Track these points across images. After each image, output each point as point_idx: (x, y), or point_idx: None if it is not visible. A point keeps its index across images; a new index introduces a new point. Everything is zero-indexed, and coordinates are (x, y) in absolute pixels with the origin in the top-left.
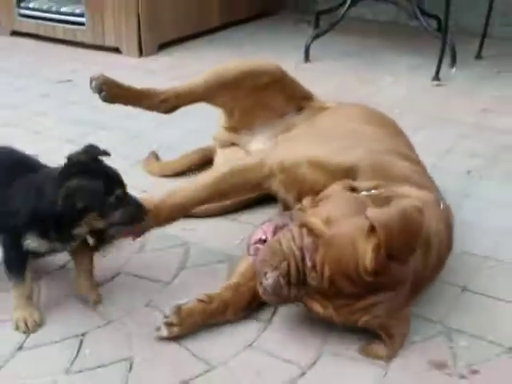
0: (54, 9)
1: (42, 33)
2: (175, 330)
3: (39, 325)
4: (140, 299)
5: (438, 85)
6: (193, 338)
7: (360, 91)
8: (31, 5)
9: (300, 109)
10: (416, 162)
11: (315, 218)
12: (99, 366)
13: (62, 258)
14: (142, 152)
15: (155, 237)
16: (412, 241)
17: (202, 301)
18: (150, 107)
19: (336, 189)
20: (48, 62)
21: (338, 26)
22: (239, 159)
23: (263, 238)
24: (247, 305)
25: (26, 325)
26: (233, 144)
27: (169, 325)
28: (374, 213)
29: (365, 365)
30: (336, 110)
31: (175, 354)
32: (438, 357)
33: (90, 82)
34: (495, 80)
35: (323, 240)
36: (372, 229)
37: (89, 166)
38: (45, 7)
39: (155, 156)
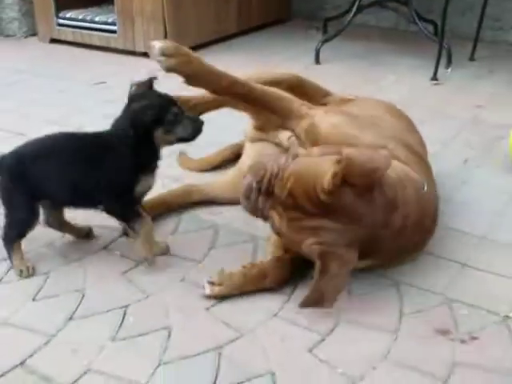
0: (88, 18)
1: (78, 40)
2: (216, 289)
3: (169, 251)
4: (175, 275)
5: (435, 84)
6: (225, 308)
7: (366, 89)
8: (68, 15)
9: (323, 105)
10: (416, 153)
11: (303, 150)
12: (141, 335)
13: (107, 239)
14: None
15: (186, 220)
16: (370, 175)
17: (244, 267)
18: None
19: None
20: (84, 67)
21: (345, 32)
22: (268, 154)
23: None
24: (284, 275)
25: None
26: (262, 140)
27: (211, 284)
28: (349, 149)
29: (377, 331)
30: (360, 101)
31: (208, 322)
32: (441, 324)
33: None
34: (487, 79)
35: (296, 160)
36: (340, 160)
37: (145, 93)
38: (80, 17)
39: (184, 154)
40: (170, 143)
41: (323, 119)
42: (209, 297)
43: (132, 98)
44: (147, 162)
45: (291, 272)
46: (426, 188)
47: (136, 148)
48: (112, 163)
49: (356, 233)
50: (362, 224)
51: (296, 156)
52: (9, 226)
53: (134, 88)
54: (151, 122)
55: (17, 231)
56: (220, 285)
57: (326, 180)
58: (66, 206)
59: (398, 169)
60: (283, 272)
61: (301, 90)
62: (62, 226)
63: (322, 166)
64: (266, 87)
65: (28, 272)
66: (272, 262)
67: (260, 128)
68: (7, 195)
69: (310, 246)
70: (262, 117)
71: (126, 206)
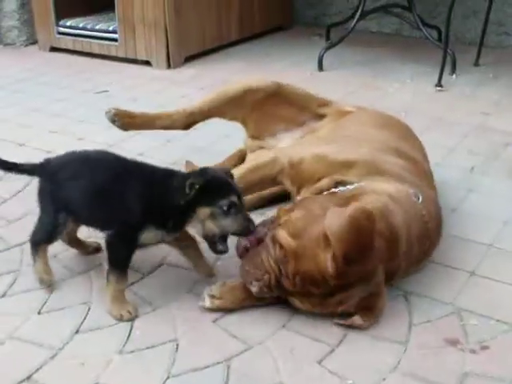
0: (89, 26)
1: (78, 48)
2: (216, 302)
3: (136, 316)
4: (182, 287)
5: (440, 90)
6: (232, 320)
7: (370, 96)
8: (68, 23)
9: (320, 115)
10: (414, 160)
11: (282, 231)
12: (148, 347)
13: None
14: (174, 154)
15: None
16: (364, 245)
17: None
18: (165, 127)
19: (309, 194)
20: (85, 75)
21: (347, 38)
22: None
23: (248, 246)
24: None
25: (126, 315)
26: (261, 147)
27: (211, 297)
28: (329, 223)
29: (386, 343)
30: (357, 113)
31: (217, 335)
32: (451, 334)
33: (105, 114)
34: (493, 85)
35: (290, 253)
36: (327, 238)
37: (212, 173)
38: (81, 25)
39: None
40: (211, 231)
41: (301, 154)
42: (208, 309)
43: (196, 172)
44: (167, 220)
45: None
46: (420, 198)
47: (173, 206)
48: (131, 198)
49: (374, 279)
50: (375, 271)
51: (277, 241)
52: (38, 228)
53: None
54: (200, 199)
55: (42, 235)
56: (220, 298)
57: (330, 269)
58: (84, 224)
59: (381, 200)
60: None
61: (283, 100)
62: (72, 241)
63: (316, 252)
64: None
65: (49, 282)
66: None
67: (254, 136)
68: (42, 198)
69: (342, 311)
70: (252, 125)
71: (123, 249)
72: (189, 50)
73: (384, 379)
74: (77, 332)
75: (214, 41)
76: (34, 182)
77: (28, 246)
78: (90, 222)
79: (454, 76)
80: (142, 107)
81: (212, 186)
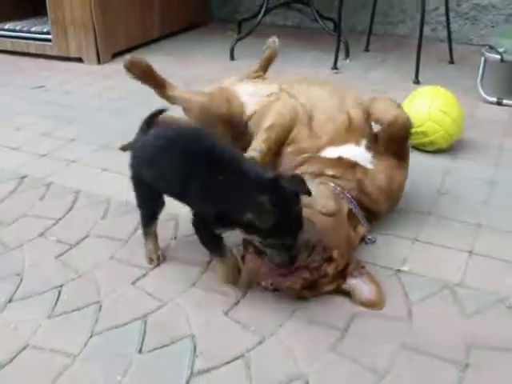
0: (25, 29)
1: (17, 49)
2: None
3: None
4: (103, 254)
5: (336, 73)
6: (148, 281)
7: (276, 80)
8: (6, 26)
9: None
10: None
11: None
12: (74, 310)
13: (46, 225)
14: (104, 139)
15: (185, 225)
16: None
17: None
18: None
19: None
20: (24, 73)
21: (257, 32)
22: None
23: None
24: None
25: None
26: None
27: None
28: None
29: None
30: None
31: (135, 295)
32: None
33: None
34: (380, 67)
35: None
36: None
37: (288, 196)
38: (18, 28)
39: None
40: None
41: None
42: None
43: (272, 188)
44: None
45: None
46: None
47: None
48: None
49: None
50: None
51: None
52: (143, 210)
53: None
54: (257, 227)
55: (148, 215)
56: None
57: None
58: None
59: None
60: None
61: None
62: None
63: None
64: None
65: (158, 261)
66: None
67: None
68: (135, 180)
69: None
70: None
71: (200, 232)
72: (116, 47)
73: (281, 325)
74: (10, 301)
75: (139, 38)
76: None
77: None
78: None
79: (347, 60)
80: (75, 98)
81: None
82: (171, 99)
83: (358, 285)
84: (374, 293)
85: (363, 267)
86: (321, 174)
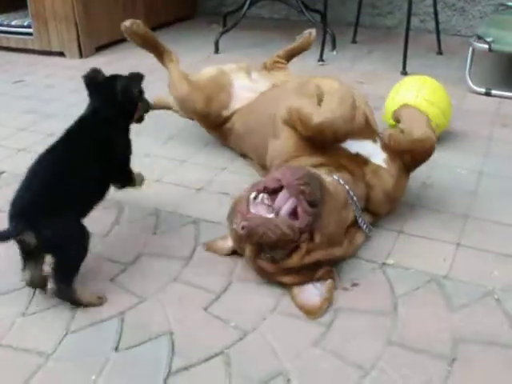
0: (5, 23)
1: None
2: None
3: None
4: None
5: (322, 64)
6: (127, 276)
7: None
8: None
9: None
10: None
11: None
12: (49, 308)
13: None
14: None
15: (166, 219)
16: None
17: None
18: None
19: None
20: (4, 67)
21: (243, 24)
22: None
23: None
24: None
25: None
26: None
27: None
28: None
29: (267, 287)
30: None
31: (113, 291)
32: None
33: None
34: (367, 59)
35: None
36: None
37: (114, 76)
38: None
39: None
40: (141, 118)
41: None
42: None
43: (102, 81)
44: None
45: None
46: None
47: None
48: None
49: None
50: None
51: None
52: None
53: (92, 74)
54: (138, 93)
55: None
56: None
57: None
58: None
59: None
60: None
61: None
62: None
63: None
64: None
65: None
66: None
67: None
68: None
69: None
70: None
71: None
72: (99, 41)
73: (264, 319)
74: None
75: (122, 32)
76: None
77: None
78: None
79: (334, 52)
80: (57, 93)
81: (139, 81)
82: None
83: (310, 289)
84: (317, 305)
85: (332, 278)
86: (330, 165)
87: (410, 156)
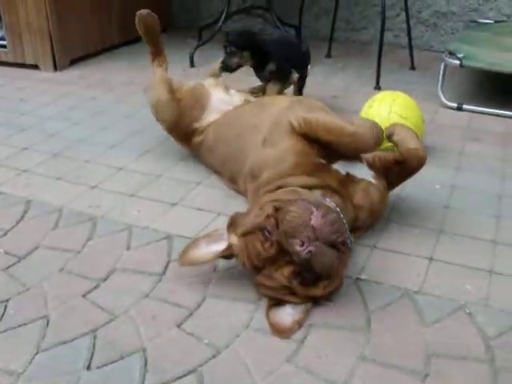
0: None
1: None
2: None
3: None
4: (54, 267)
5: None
6: (99, 293)
7: (235, 85)
8: None
9: None
10: None
11: None
12: (20, 325)
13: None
14: (57, 147)
15: (139, 234)
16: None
17: None
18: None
19: None
20: None
21: (218, 38)
22: None
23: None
24: None
25: None
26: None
27: None
28: None
29: (241, 303)
30: None
31: (85, 308)
32: None
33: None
34: (342, 74)
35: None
36: None
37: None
38: None
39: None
40: None
41: None
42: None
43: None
44: None
45: None
46: None
47: None
48: None
49: None
50: None
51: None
52: None
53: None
54: None
55: None
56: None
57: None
58: None
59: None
60: None
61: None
62: None
63: None
64: None
65: None
66: None
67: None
68: None
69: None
70: None
71: None
72: (73, 54)
73: (237, 335)
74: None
75: (98, 44)
76: None
77: None
78: None
79: (309, 66)
80: (29, 106)
81: None
82: None
83: (286, 308)
84: (287, 326)
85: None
86: (324, 187)
87: (401, 168)
